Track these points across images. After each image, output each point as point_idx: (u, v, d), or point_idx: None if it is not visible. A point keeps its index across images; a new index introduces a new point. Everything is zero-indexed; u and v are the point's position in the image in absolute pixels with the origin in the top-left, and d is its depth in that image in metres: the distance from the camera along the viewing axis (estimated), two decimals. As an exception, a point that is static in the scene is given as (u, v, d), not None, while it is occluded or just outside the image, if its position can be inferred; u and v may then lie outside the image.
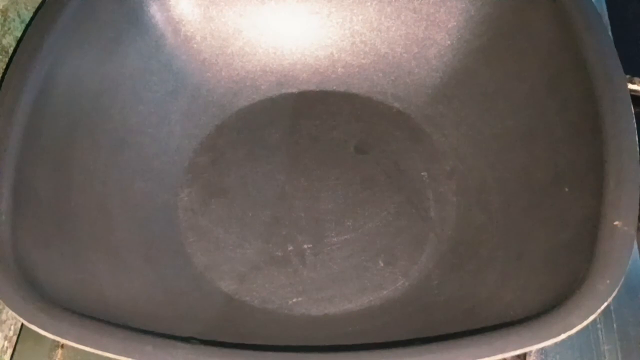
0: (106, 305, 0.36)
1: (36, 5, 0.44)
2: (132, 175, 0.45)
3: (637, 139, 0.35)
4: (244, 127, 0.49)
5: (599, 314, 0.30)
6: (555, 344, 0.30)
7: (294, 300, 0.42)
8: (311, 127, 0.49)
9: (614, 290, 0.31)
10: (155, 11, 0.47)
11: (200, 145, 0.48)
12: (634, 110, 0.49)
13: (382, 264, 0.43)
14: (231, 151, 0.48)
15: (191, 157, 0.48)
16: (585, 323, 0.30)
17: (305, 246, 0.44)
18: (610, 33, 0.53)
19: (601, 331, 0.40)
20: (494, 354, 0.29)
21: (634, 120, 0.36)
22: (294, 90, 0.51)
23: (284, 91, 0.51)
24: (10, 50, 0.42)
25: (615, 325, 0.39)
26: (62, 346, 0.41)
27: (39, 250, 0.35)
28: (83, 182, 0.41)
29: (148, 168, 0.46)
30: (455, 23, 0.48)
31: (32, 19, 0.43)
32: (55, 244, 0.37)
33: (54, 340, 0.31)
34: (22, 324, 0.42)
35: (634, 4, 0.58)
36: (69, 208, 0.39)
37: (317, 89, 0.51)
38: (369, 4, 0.50)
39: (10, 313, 0.31)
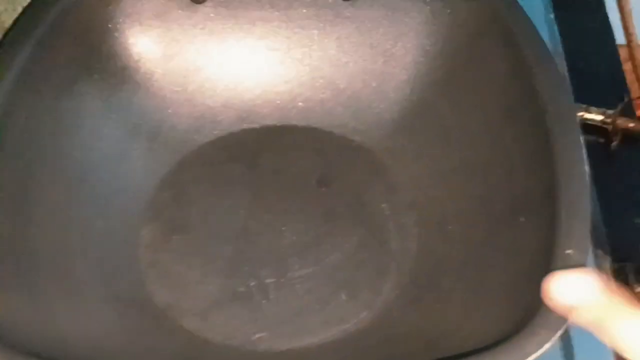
0: (66, 347, 0.36)
1: (-7, 45, 0.44)
2: (92, 213, 0.44)
3: (587, 168, 0.36)
4: (206, 163, 0.49)
5: (554, 342, 0.31)
6: (514, 373, 0.30)
7: (257, 335, 0.41)
8: (273, 161, 0.49)
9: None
10: (115, 49, 0.48)
11: (161, 181, 0.48)
12: (591, 138, 0.50)
13: (344, 297, 0.43)
14: (193, 187, 0.48)
15: (152, 193, 0.47)
16: (541, 351, 0.30)
17: (268, 281, 0.43)
18: (564, 64, 0.55)
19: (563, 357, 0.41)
20: (451, 385, 0.30)
21: (583, 150, 0.37)
22: (256, 125, 0.51)
23: (245, 126, 0.51)
24: (-33, 91, 0.42)
25: (574, 352, 0.40)
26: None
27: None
28: (42, 220, 0.41)
29: (109, 205, 0.45)
30: (411, 58, 0.49)
31: (-11, 58, 0.43)
32: (13, 283, 0.36)
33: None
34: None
35: (589, 36, 0.59)
36: (28, 246, 0.39)
37: (279, 124, 0.51)
38: (327, 40, 0.50)
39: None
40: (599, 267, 0.44)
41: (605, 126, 0.51)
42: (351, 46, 0.50)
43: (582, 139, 0.37)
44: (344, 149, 0.50)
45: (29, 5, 0.45)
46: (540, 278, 0.33)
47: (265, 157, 0.50)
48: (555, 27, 0.58)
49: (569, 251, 0.33)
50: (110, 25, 0.47)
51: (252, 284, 0.43)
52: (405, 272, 0.44)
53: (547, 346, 0.30)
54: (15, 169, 0.40)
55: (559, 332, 0.31)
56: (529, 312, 0.32)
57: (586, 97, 0.52)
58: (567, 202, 0.35)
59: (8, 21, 0.45)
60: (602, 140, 0.51)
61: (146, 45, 0.49)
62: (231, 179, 0.49)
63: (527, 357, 0.30)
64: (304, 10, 0.50)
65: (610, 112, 0.51)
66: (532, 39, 0.43)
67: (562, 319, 0.31)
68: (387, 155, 0.49)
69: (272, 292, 0.43)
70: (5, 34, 0.44)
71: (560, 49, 0.57)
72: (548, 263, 0.33)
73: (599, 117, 0.51)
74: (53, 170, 0.43)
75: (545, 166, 0.38)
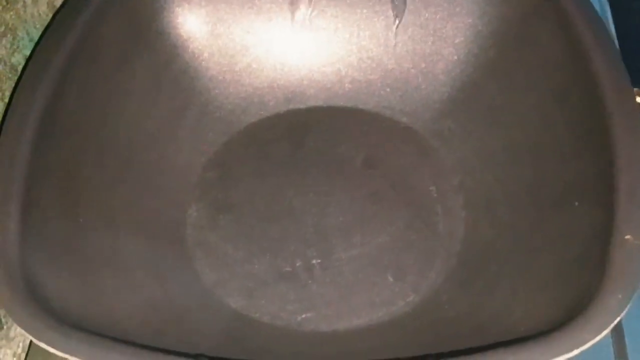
0: (114, 322, 0.36)
1: (44, 24, 0.44)
2: (139, 192, 0.45)
3: (646, 152, 0.35)
4: (252, 143, 0.49)
5: (611, 330, 0.30)
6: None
7: (303, 316, 0.41)
8: (319, 142, 0.49)
9: (626, 305, 0.30)
10: (163, 28, 0.48)
11: (208, 161, 0.48)
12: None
13: (391, 279, 0.43)
14: (239, 167, 0.48)
15: (199, 173, 0.48)
16: (597, 338, 0.30)
17: (314, 261, 0.43)
18: (616, 45, 0.53)
19: (613, 346, 0.40)
20: (505, 370, 0.29)
21: (643, 133, 0.36)
22: (302, 107, 0.51)
23: (291, 107, 0.51)
24: (20, 69, 0.42)
25: (626, 341, 0.39)
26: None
27: (47, 268, 0.35)
28: (90, 199, 0.41)
29: (156, 185, 0.46)
30: (462, 38, 0.48)
31: (40, 37, 0.43)
32: (63, 261, 0.37)
33: (62, 358, 0.31)
34: (31, 341, 0.42)
35: (641, 16, 0.58)
36: (77, 226, 0.39)
37: (325, 105, 0.51)
38: (375, 19, 0.50)
39: (19, 330, 0.31)
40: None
41: (658, 109, 0.50)
42: (400, 26, 0.50)
43: (640, 122, 0.36)
44: (391, 130, 0.50)
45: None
46: (597, 264, 0.32)
47: (311, 138, 0.49)
48: (608, 7, 0.57)
49: (628, 236, 0.32)
50: (159, 4, 0.47)
51: (298, 264, 0.43)
52: (452, 255, 0.43)
53: (604, 333, 0.30)
54: (66, 148, 0.40)
55: (617, 319, 0.30)
56: (585, 298, 0.31)
57: (637, 79, 0.51)
58: (625, 187, 0.34)
59: (58, 0, 0.46)
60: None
61: (194, 24, 0.49)
62: (277, 159, 0.49)
63: (584, 344, 0.29)
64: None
65: (663, 95, 0.49)
66: (588, 18, 0.42)
67: (618, 307, 0.30)
68: (434, 138, 0.49)
69: (317, 272, 0.43)
70: (56, 13, 0.45)
71: (612, 29, 0.55)
72: (605, 249, 0.32)
73: (652, 101, 0.50)
74: (102, 149, 0.43)
75: (600, 150, 0.37)
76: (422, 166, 0.48)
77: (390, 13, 0.49)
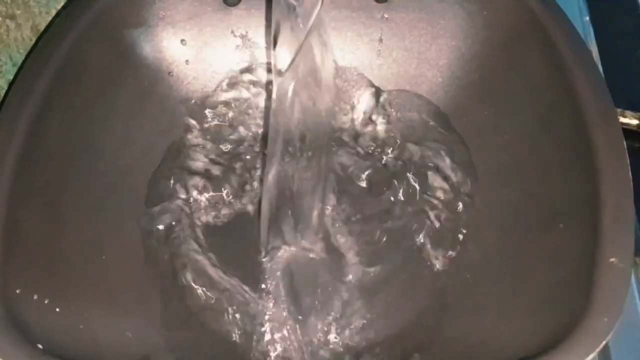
0: (98, 350, 0.35)
1: (28, 48, 0.44)
2: (124, 216, 0.44)
3: (630, 173, 0.35)
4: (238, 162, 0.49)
5: (598, 352, 0.30)
6: (554, 384, 0.29)
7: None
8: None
9: (612, 328, 0.30)
10: (147, 53, 0.48)
11: (195, 179, 0.48)
12: (625, 143, 0.49)
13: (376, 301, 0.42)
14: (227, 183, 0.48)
15: (187, 189, 0.47)
16: (583, 363, 0.30)
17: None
18: (600, 67, 0.54)
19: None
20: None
21: (627, 155, 0.36)
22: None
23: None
24: (2, 93, 0.42)
25: (614, 364, 0.39)
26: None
27: (30, 296, 0.35)
28: (74, 224, 0.41)
29: (141, 208, 0.45)
30: (446, 60, 0.49)
31: (24, 62, 0.43)
32: (46, 290, 0.36)
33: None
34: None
35: (623, 38, 0.58)
36: (61, 251, 0.39)
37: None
38: (360, 42, 0.50)
39: (-1, 359, 0.31)
40: (636, 275, 0.43)
41: (641, 130, 0.50)
42: (385, 48, 0.50)
43: (624, 143, 0.37)
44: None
45: (63, 9, 0.45)
46: (583, 287, 0.32)
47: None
48: (591, 29, 0.57)
49: (612, 259, 0.32)
50: (143, 28, 0.47)
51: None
52: (438, 278, 0.43)
53: (591, 356, 0.30)
54: (49, 173, 0.40)
55: (604, 342, 0.30)
56: (571, 321, 0.31)
57: (621, 100, 0.51)
58: (610, 209, 0.34)
59: (42, 24, 0.45)
60: (637, 145, 0.50)
61: (178, 48, 0.49)
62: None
63: (569, 369, 0.29)
64: (338, 13, 0.49)
65: (646, 116, 0.50)
66: (571, 41, 0.42)
67: (604, 330, 0.30)
68: (418, 158, 0.49)
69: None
70: (40, 37, 0.45)
71: (595, 51, 0.56)
72: (590, 272, 0.32)
73: (635, 121, 0.50)
74: (86, 173, 0.43)
75: (585, 172, 0.37)
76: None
77: (375, 36, 0.50)
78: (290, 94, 0.38)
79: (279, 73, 0.37)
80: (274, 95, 0.39)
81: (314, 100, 0.40)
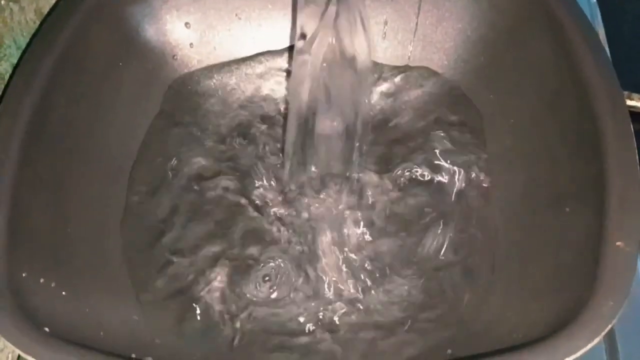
0: (103, 335, 0.35)
1: (32, 32, 0.44)
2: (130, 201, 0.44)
3: (637, 157, 0.35)
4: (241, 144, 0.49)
5: (603, 336, 0.30)
6: (559, 367, 0.29)
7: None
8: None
9: (618, 312, 0.30)
10: (151, 36, 0.47)
11: (198, 161, 0.48)
12: (633, 127, 0.48)
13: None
14: (229, 165, 0.48)
15: (190, 175, 0.47)
16: (590, 345, 0.30)
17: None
18: (607, 50, 0.53)
19: (606, 352, 0.40)
20: (499, 378, 0.29)
21: (634, 138, 0.36)
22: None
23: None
24: (7, 77, 0.42)
25: (619, 347, 0.39)
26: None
27: (36, 280, 0.35)
28: (80, 211, 0.41)
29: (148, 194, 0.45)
30: (452, 44, 0.48)
31: (28, 45, 0.43)
32: (52, 274, 0.36)
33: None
34: (19, 355, 0.41)
35: (630, 20, 0.58)
36: (66, 238, 0.39)
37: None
38: (365, 24, 0.49)
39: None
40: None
41: (649, 113, 0.50)
42: (390, 31, 0.49)
43: (631, 126, 0.36)
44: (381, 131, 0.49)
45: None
46: (588, 271, 0.32)
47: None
48: (598, 11, 0.57)
49: (619, 243, 0.32)
50: (147, 12, 0.47)
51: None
52: (446, 262, 0.43)
53: (597, 340, 0.29)
54: (53, 158, 0.40)
55: (609, 326, 0.30)
56: (577, 305, 0.31)
57: (628, 83, 0.51)
58: (617, 192, 0.34)
59: (46, 7, 0.45)
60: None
61: (183, 32, 0.49)
62: (267, 168, 0.48)
63: (577, 351, 0.29)
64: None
65: (654, 99, 0.50)
66: (577, 22, 0.41)
67: (610, 314, 0.30)
68: (424, 141, 0.49)
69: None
70: (43, 21, 0.44)
71: (602, 33, 0.55)
72: (596, 256, 0.32)
73: (643, 104, 0.50)
74: (91, 159, 0.43)
75: (591, 155, 0.37)
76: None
77: (380, 18, 0.49)
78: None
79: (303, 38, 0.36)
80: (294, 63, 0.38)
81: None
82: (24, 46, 0.43)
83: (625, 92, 0.50)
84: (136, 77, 0.46)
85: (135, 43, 0.47)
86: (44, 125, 0.39)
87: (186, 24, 0.49)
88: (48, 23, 0.43)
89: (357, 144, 0.44)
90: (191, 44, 0.49)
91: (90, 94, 0.43)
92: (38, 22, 0.44)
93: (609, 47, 0.53)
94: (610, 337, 0.39)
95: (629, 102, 0.50)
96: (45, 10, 0.45)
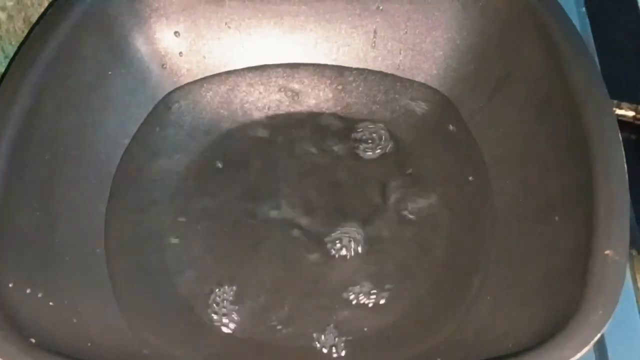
0: (91, 346, 0.35)
1: (20, 40, 0.44)
2: (119, 209, 0.44)
3: (625, 165, 0.35)
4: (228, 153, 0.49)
5: (594, 345, 0.30)
6: (549, 377, 0.29)
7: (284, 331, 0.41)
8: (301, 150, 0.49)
9: (607, 321, 0.30)
10: (140, 44, 0.47)
11: (185, 170, 0.48)
12: (622, 135, 0.49)
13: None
14: (215, 176, 0.48)
15: (177, 184, 0.47)
16: (579, 354, 0.30)
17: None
18: (596, 59, 0.54)
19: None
20: (489, 388, 0.29)
21: (622, 146, 0.36)
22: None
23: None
24: (-6, 86, 0.42)
25: (609, 356, 0.39)
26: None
27: (22, 291, 0.34)
28: (68, 218, 0.41)
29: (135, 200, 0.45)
30: (441, 52, 0.49)
31: (15, 54, 0.43)
32: (38, 284, 0.36)
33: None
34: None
35: (619, 30, 0.58)
36: (54, 244, 0.39)
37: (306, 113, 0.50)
38: (355, 34, 0.50)
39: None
40: (632, 267, 0.43)
41: (637, 122, 0.50)
42: (380, 40, 0.50)
43: (619, 135, 0.37)
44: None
45: (55, 1, 0.45)
46: (578, 279, 0.32)
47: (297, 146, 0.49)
48: (587, 21, 0.57)
49: (607, 251, 0.32)
50: (136, 20, 0.47)
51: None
52: (434, 266, 0.43)
53: (586, 349, 0.29)
54: (42, 166, 0.40)
55: (598, 335, 0.30)
56: (566, 313, 0.31)
57: (617, 92, 0.51)
58: (605, 201, 0.34)
59: (35, 16, 0.45)
60: (633, 137, 0.50)
61: (172, 40, 0.49)
62: (253, 172, 0.48)
63: (567, 360, 0.29)
64: (332, 4, 0.49)
65: (642, 107, 0.50)
66: (566, 31, 0.42)
67: (599, 323, 0.30)
68: (415, 150, 0.49)
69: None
70: (32, 29, 0.44)
71: (591, 42, 0.55)
72: (585, 264, 0.32)
73: (631, 113, 0.50)
74: (79, 166, 0.43)
75: (580, 163, 0.37)
76: (400, 179, 0.47)
77: (370, 28, 0.49)
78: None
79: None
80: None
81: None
82: (12, 55, 0.43)
83: (615, 101, 0.51)
84: (125, 85, 0.46)
85: (124, 52, 0.47)
86: (32, 133, 0.39)
87: (175, 32, 0.49)
88: (36, 32, 0.43)
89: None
90: (180, 53, 0.49)
91: (78, 102, 0.43)
92: (26, 31, 0.45)
93: (598, 56, 0.53)
94: (600, 346, 0.39)
95: (618, 111, 0.50)
96: (34, 19, 0.45)
